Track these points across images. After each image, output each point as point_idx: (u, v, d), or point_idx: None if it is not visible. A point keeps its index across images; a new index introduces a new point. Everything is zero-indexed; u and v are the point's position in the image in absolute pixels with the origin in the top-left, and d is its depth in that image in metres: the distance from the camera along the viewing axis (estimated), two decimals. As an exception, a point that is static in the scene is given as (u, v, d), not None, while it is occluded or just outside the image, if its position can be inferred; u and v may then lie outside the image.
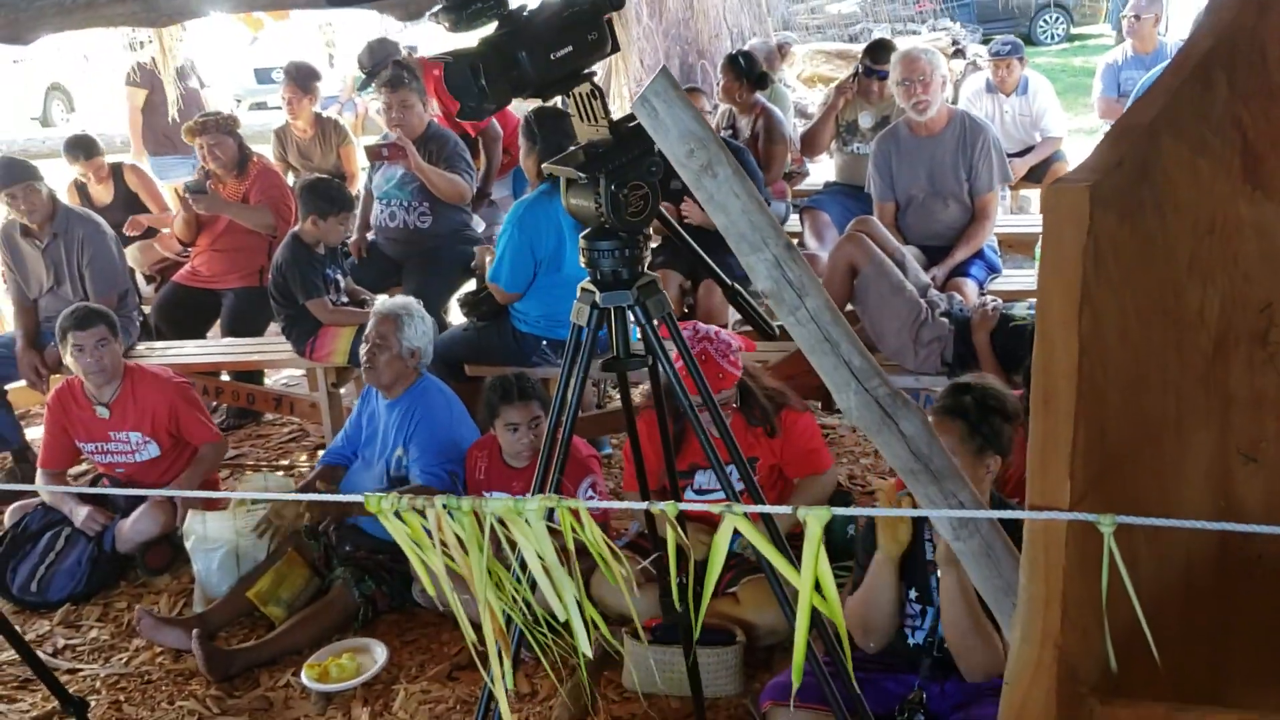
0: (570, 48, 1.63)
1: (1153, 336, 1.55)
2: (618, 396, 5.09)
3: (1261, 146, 1.78)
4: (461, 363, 4.39)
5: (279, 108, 12.60)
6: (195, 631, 3.41)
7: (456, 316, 5.28)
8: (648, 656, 3.15)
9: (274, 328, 5.52)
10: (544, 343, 4.25)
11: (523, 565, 1.43)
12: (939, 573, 2.64)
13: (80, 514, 3.95)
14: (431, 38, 11.72)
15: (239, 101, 14.16)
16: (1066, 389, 1.29)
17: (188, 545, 3.81)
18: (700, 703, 2.93)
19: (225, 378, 5.26)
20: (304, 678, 3.27)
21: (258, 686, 3.36)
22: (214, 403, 5.43)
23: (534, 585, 1.43)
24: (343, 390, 4.95)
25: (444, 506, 1.43)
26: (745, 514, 1.33)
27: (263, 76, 16.44)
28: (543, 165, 1.96)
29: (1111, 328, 1.44)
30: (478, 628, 1.42)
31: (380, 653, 3.37)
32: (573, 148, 1.77)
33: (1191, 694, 1.32)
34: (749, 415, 3.44)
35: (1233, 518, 1.51)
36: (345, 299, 4.78)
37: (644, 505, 1.41)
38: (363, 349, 3.80)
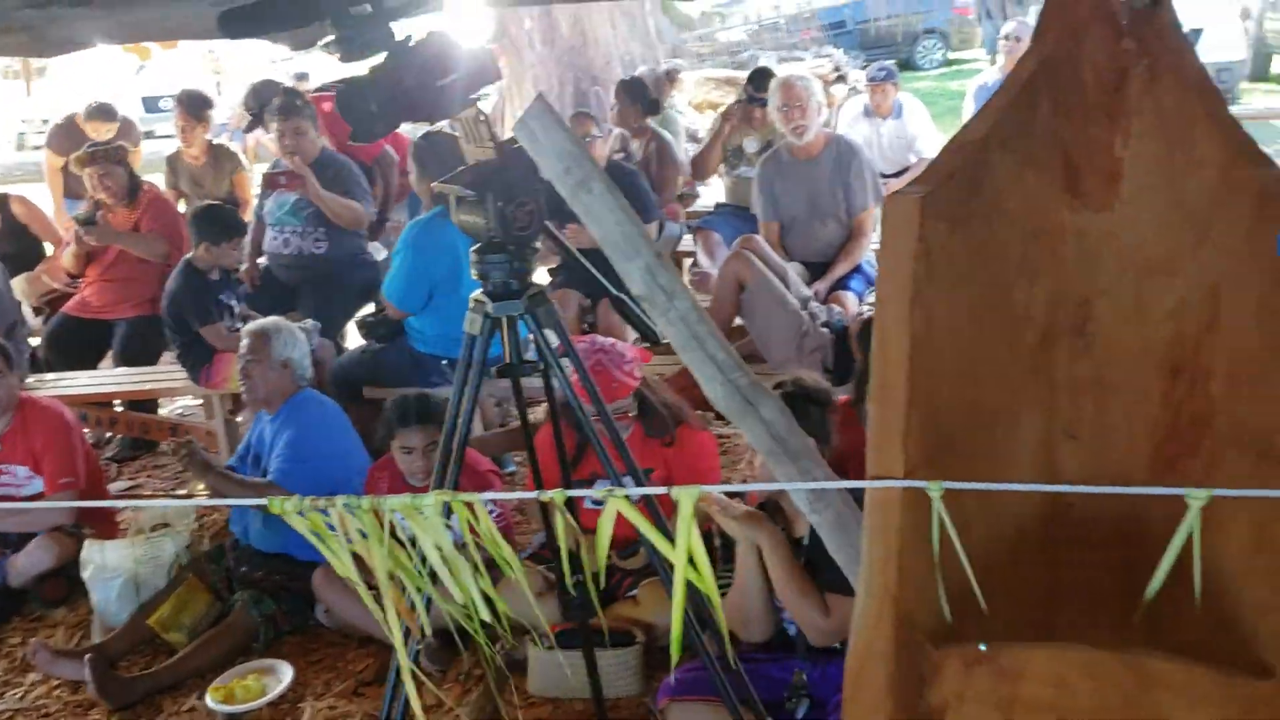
0: (455, 75, 1.77)
1: (984, 331, 1.74)
2: (516, 420, 5.22)
3: (1080, 160, 1.98)
4: (360, 385, 4.46)
5: (168, 136, 12.42)
6: (88, 658, 3.37)
7: (354, 341, 5.35)
8: (550, 661, 3.27)
9: (168, 357, 5.52)
10: (444, 362, 4.34)
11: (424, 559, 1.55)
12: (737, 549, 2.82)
13: None
14: (320, 65, 11.71)
15: (125, 131, 13.93)
16: (900, 377, 1.47)
17: (85, 575, 3.79)
18: (601, 703, 3.06)
19: (119, 408, 5.23)
20: (209, 700, 3.27)
21: (160, 712, 3.36)
22: (108, 434, 5.40)
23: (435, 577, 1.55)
24: (239, 418, 4.97)
25: (344, 506, 1.55)
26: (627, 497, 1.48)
27: (150, 105, 16.19)
28: (433, 185, 2.08)
29: (943, 323, 1.63)
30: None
31: (285, 672, 3.41)
32: (461, 168, 1.91)
33: (1020, 641, 1.49)
34: (647, 426, 3.56)
35: (1057, 492, 1.69)
36: (240, 325, 4.80)
37: (534, 495, 1.54)
38: (237, 367, 3.84)
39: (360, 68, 1.76)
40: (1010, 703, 1.26)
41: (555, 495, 1.47)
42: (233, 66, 13.08)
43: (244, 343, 3.81)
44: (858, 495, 1.58)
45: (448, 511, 1.52)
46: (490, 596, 1.67)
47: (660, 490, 1.46)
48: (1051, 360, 1.83)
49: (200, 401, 5.65)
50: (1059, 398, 1.80)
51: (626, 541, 3.61)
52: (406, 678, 1.49)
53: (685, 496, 1.40)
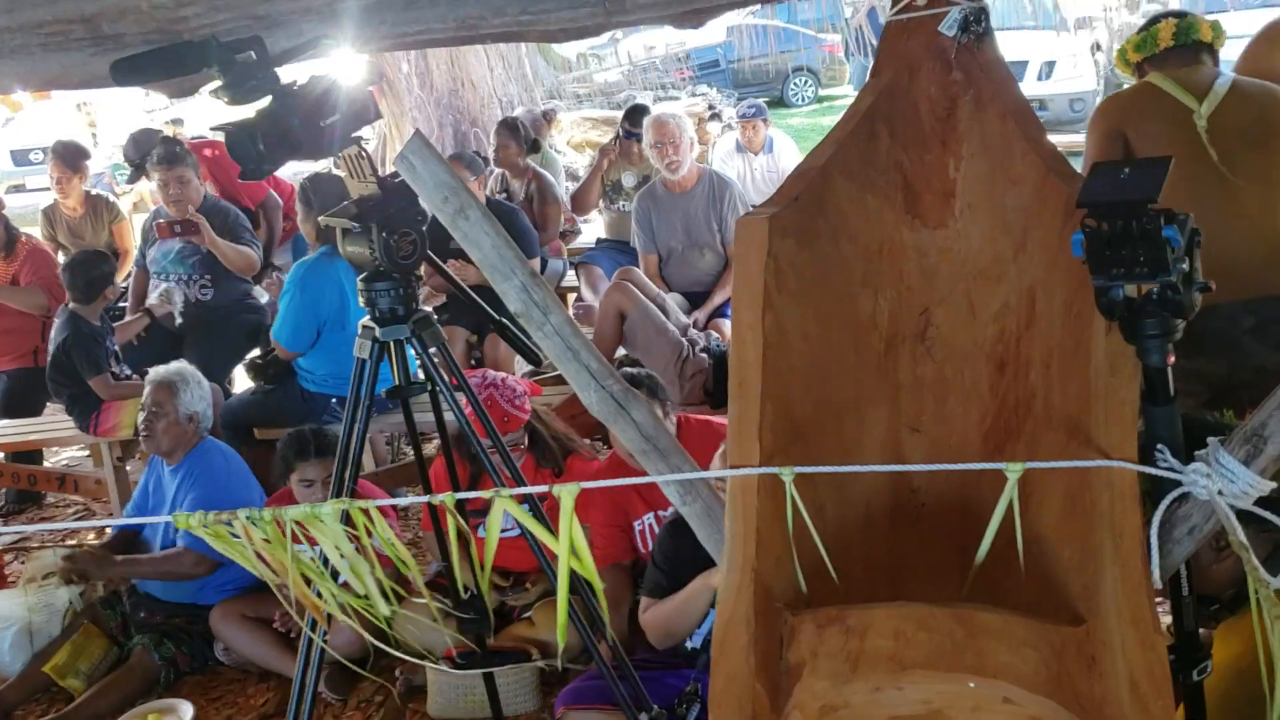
0: (338, 115, 1.90)
1: (832, 336, 1.93)
2: (409, 454, 5.29)
3: (919, 184, 2.20)
4: (251, 426, 4.49)
5: (40, 189, 12.15)
6: (-12, 709, 3.39)
7: (242, 385, 5.37)
8: (449, 683, 3.36)
9: (52, 407, 5.46)
10: (334, 400, 4.41)
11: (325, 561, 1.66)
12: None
13: None
14: (196, 113, 11.62)
15: (-7, 185, 13.60)
16: (754, 376, 1.64)
17: (-24, 626, 3.77)
18: (500, 720, 3.16)
19: (1, 459, 5.15)
20: (109, 743, 3.31)
21: (60, 758, 3.38)
22: (-8, 488, 5.32)
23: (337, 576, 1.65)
24: (129, 466, 4.94)
25: (248, 518, 1.65)
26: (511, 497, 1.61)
27: (20, 159, 15.81)
28: (319, 218, 2.20)
29: (793, 329, 1.81)
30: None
31: (186, 711, 3.41)
32: (346, 202, 2.04)
33: (870, 608, 1.66)
34: (538, 456, 3.68)
35: (900, 477, 1.88)
36: (128, 371, 4.80)
37: (424, 499, 1.66)
38: (140, 416, 3.83)
39: (247, 110, 1.88)
40: (857, 656, 1.42)
41: (445, 498, 1.60)
42: (106, 118, 12.86)
43: (147, 393, 3.80)
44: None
45: (346, 520, 1.63)
46: (397, 591, 1.78)
47: (542, 489, 1.59)
48: (896, 363, 2.03)
49: (87, 453, 5.60)
50: (903, 396, 2.00)
51: (516, 579, 3.73)
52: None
53: (566, 494, 1.54)
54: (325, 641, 2.09)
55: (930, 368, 2.02)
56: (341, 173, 1.98)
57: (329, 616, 1.75)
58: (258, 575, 1.56)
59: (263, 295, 5.65)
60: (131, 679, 3.61)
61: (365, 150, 1.98)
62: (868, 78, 2.31)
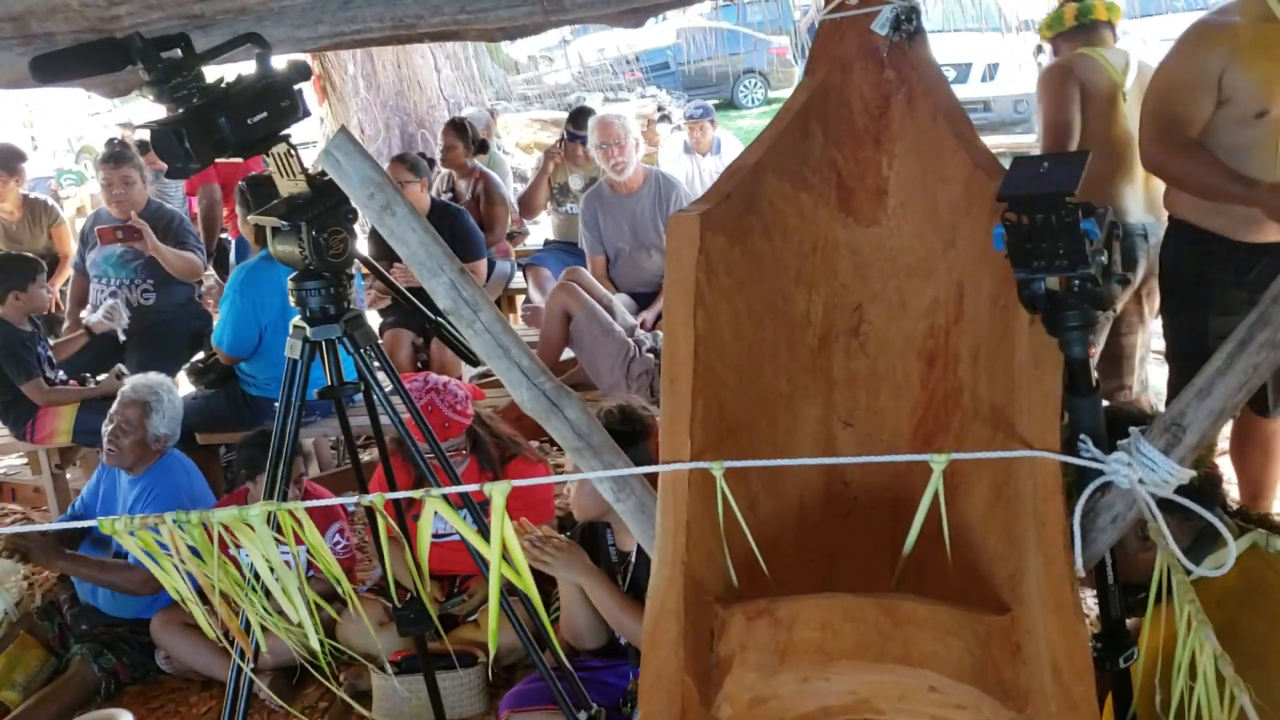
0: (265, 113, 1.88)
1: (765, 333, 1.94)
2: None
3: (852, 182, 2.22)
4: (193, 431, 4.44)
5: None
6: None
7: (182, 389, 5.30)
8: (394, 688, 3.34)
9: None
10: (276, 404, 4.35)
11: (257, 577, 1.64)
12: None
13: None
14: (146, 113, 11.47)
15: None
16: (685, 372, 1.64)
17: (-91, 638, 3.69)
18: (444, 724, 3.14)
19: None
20: (46, 755, 3.26)
21: (-3, 771, 3.33)
22: (-74, 497, 5.22)
23: (268, 594, 1.63)
24: (69, 474, 4.86)
25: (174, 521, 1.62)
26: (444, 496, 1.60)
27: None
28: (249, 217, 2.18)
29: (725, 326, 1.81)
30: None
31: (126, 720, 3.39)
32: (274, 200, 2.02)
33: (801, 600, 1.67)
34: (481, 460, 3.67)
35: (833, 471, 1.90)
36: (61, 373, 4.71)
37: (355, 499, 1.65)
38: (106, 428, 3.73)
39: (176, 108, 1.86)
40: (785, 648, 1.43)
41: (375, 499, 1.59)
42: (45, 120, 12.66)
43: (118, 407, 3.71)
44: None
45: (277, 527, 1.61)
46: (323, 607, 1.76)
47: (474, 488, 1.59)
48: (829, 359, 2.04)
49: (24, 460, 5.50)
50: (836, 391, 2.01)
51: (454, 587, 3.71)
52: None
53: (497, 492, 1.54)
54: (254, 668, 2.06)
55: (863, 363, 2.04)
56: (270, 168, 1.97)
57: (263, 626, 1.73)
58: (172, 594, 1.53)
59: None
60: (70, 690, 3.55)
61: (294, 148, 1.96)
62: (802, 76, 2.33)
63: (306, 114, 1.96)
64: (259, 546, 1.62)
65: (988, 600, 1.59)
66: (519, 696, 3.04)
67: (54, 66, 1.74)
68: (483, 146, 6.77)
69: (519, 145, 12.57)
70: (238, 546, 1.62)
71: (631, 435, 2.71)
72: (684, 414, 1.61)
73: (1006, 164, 1.73)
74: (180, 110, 1.81)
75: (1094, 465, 1.53)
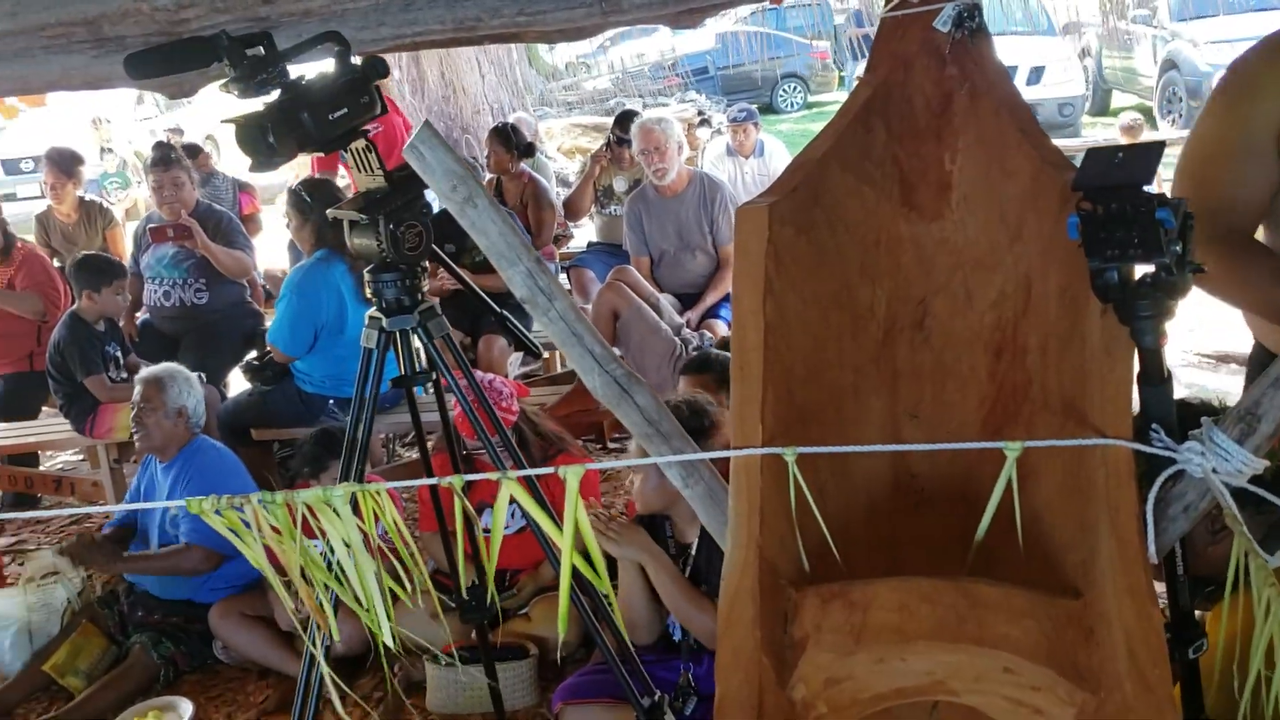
0: (346, 109, 1.93)
1: (831, 324, 1.96)
2: (406, 455, 5.33)
3: (915, 177, 2.23)
4: (249, 427, 4.52)
5: (31, 198, 12.14)
6: (-10, 708, 3.41)
7: (237, 386, 5.39)
8: (448, 678, 3.39)
9: (47, 411, 5.48)
10: (330, 401, 4.43)
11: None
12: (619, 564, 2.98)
13: None
14: (192, 120, 11.64)
15: (-17, 193, 13.59)
16: (755, 359, 1.67)
17: (-25, 626, 3.78)
18: (502, 715, 3.18)
19: (-3, 463, 5.17)
20: (110, 741, 3.33)
21: (62, 755, 3.39)
22: (-12, 491, 5.33)
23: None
24: (125, 469, 4.95)
25: (260, 501, 1.67)
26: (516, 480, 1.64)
27: (11, 168, 15.80)
28: (328, 211, 2.23)
29: (793, 316, 1.84)
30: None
31: (186, 708, 3.44)
32: (353, 194, 2.07)
33: (871, 585, 1.69)
34: (526, 457, 3.71)
35: (900, 463, 1.92)
36: (125, 374, 4.82)
37: (431, 481, 1.69)
38: (130, 414, 3.85)
39: (256, 103, 1.91)
40: (861, 630, 1.45)
41: (454, 480, 1.63)
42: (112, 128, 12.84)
43: (137, 390, 3.82)
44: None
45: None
46: (397, 594, 1.80)
47: (549, 470, 1.62)
48: (894, 351, 2.06)
49: (82, 456, 5.62)
50: (901, 383, 2.03)
51: (504, 581, 3.75)
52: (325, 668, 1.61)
53: (572, 474, 1.57)
54: (330, 644, 2.11)
55: (928, 356, 2.05)
56: (349, 163, 2.02)
57: (335, 610, 1.77)
58: (256, 567, 1.57)
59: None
60: (131, 677, 3.62)
61: (372, 143, 2.01)
62: (864, 73, 2.35)
63: (384, 110, 2.01)
64: (340, 529, 1.66)
65: (1059, 587, 1.60)
66: (573, 688, 3.07)
67: (146, 64, 1.80)
68: (529, 151, 6.83)
69: (560, 150, 12.66)
70: (310, 536, 1.65)
71: (699, 430, 2.74)
72: (755, 400, 1.63)
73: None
74: (264, 106, 1.86)
75: (1167, 454, 1.54)
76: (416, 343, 2.17)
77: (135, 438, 3.86)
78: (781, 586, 1.53)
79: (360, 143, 1.99)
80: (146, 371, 3.90)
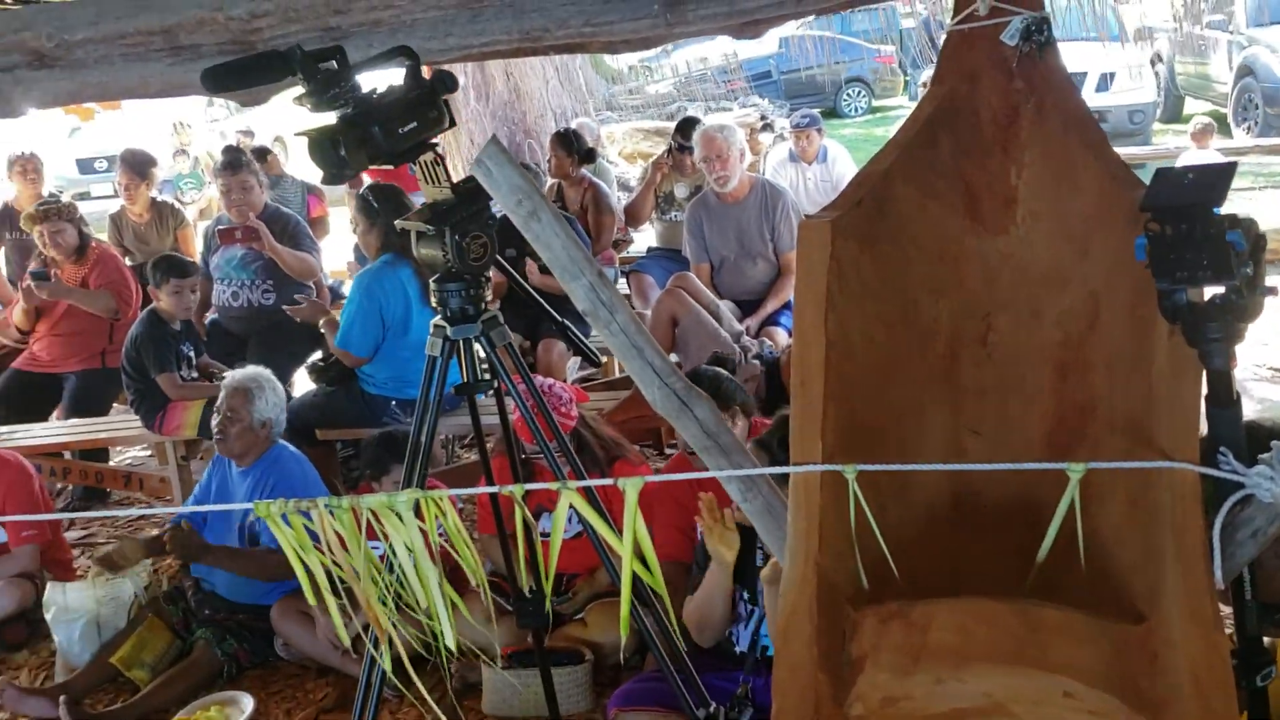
0: (415, 123, 1.96)
1: (894, 339, 1.96)
2: (466, 457, 5.38)
3: (980, 191, 2.22)
4: (313, 427, 4.58)
5: (104, 197, 12.40)
6: (62, 698, 3.48)
7: (302, 386, 5.47)
8: (504, 682, 3.41)
9: (118, 408, 5.61)
10: (393, 403, 4.49)
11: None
12: (763, 590, 2.98)
13: None
14: (263, 120, 11.85)
15: (60, 192, 13.95)
16: (817, 376, 1.67)
17: (48, 617, 3.86)
18: (556, 719, 3.20)
19: (68, 458, 5.28)
20: (174, 733, 3.39)
21: (127, 747, 3.47)
22: (59, 484, 5.45)
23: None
24: (192, 465, 5.05)
25: (326, 506, 1.70)
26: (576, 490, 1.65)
27: (85, 167, 16.19)
28: (396, 221, 2.27)
29: (855, 331, 1.84)
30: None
31: (247, 703, 3.50)
32: (420, 205, 2.10)
33: (930, 604, 1.69)
34: (585, 463, 3.73)
35: (961, 480, 1.91)
36: (195, 374, 4.91)
37: (494, 489, 1.71)
38: (214, 420, 3.89)
39: (329, 116, 1.95)
40: (919, 650, 1.45)
41: (515, 489, 1.65)
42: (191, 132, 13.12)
43: (223, 397, 3.86)
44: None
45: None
46: (455, 602, 1.82)
47: (608, 482, 1.63)
48: (957, 366, 2.05)
49: (150, 453, 5.74)
50: (964, 399, 2.02)
51: (560, 586, 3.77)
52: (387, 662, 1.64)
53: (631, 486, 1.58)
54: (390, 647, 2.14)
55: (992, 372, 2.04)
56: (417, 175, 2.05)
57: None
58: (301, 579, 1.59)
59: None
60: (195, 671, 3.69)
61: (440, 156, 2.04)
62: (929, 86, 2.34)
63: (452, 123, 2.04)
64: (403, 534, 1.68)
65: (1122, 609, 1.59)
66: (627, 695, 3.08)
67: (222, 77, 1.85)
68: (590, 156, 6.87)
69: (622, 154, 12.69)
70: (372, 538, 1.68)
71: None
72: (815, 417, 1.63)
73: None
74: (336, 119, 1.90)
75: (1235, 478, 1.52)
76: (479, 350, 2.20)
77: (216, 442, 3.90)
78: (840, 604, 1.53)
79: (429, 155, 2.02)
80: (234, 379, 3.92)
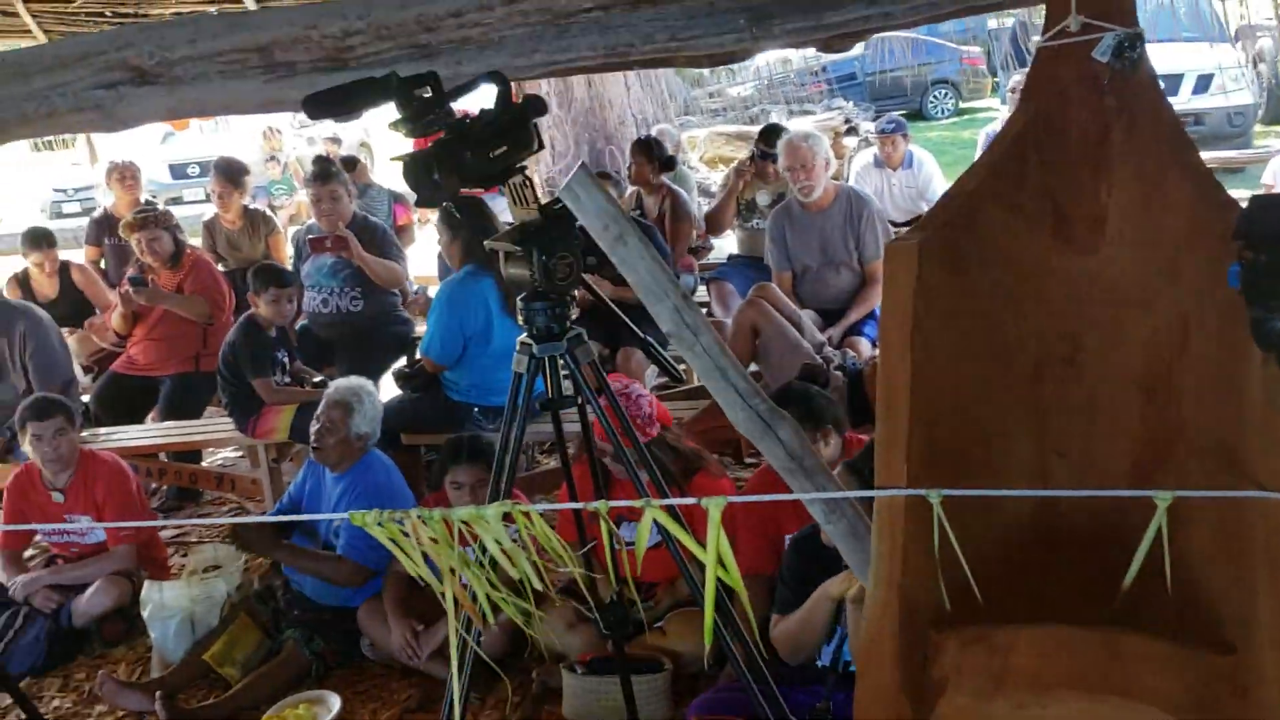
0: (505, 146, 2.01)
1: (979, 360, 1.95)
2: (546, 462, 5.45)
3: (1068, 209, 2.20)
4: (398, 432, 4.68)
5: (196, 201, 12.73)
6: (158, 693, 3.61)
7: (388, 391, 5.58)
8: (584, 687, 3.45)
9: (211, 411, 5.78)
10: (475, 409, 4.56)
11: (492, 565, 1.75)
12: (847, 608, 2.98)
13: (37, 593, 4.14)
14: (350, 127, 12.07)
15: (154, 197, 14.37)
16: (902, 399, 1.68)
17: (145, 614, 4.00)
18: (635, 726, 3.23)
19: (163, 459, 5.45)
20: (264, 729, 3.49)
21: (218, 742, 3.57)
22: (154, 484, 5.63)
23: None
24: (282, 466, 5.18)
25: (419, 516, 1.75)
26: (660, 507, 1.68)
27: (178, 172, 16.65)
28: (485, 242, 2.32)
29: (940, 353, 1.84)
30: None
31: (334, 702, 3.59)
32: (509, 226, 2.15)
33: (1013, 628, 1.68)
34: (664, 474, 3.74)
35: (1045, 501, 1.89)
36: (289, 379, 5.04)
37: (578, 505, 1.74)
38: (313, 428, 3.98)
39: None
40: (1001, 674, 1.45)
41: (600, 505, 1.68)
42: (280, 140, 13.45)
43: (322, 408, 3.96)
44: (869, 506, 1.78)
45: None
46: (545, 585, 1.87)
47: (690, 500, 1.66)
48: (1042, 387, 2.04)
49: (241, 454, 5.90)
50: (1049, 420, 2.01)
51: (647, 593, 3.79)
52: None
53: (714, 505, 1.60)
54: (479, 644, 2.19)
55: (1078, 393, 2.02)
56: (506, 197, 2.09)
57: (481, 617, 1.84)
58: (415, 575, 1.65)
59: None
60: (284, 670, 3.79)
61: (529, 179, 2.08)
62: (1017, 102, 2.33)
63: (541, 146, 2.09)
64: (493, 533, 1.74)
65: (1209, 639, 1.57)
66: (707, 705, 3.10)
67: (323, 104, 1.91)
68: (670, 164, 6.90)
69: (703, 159, 12.69)
70: (463, 544, 1.74)
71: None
72: (900, 441, 1.64)
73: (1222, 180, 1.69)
74: (430, 144, 1.95)
75: (1330, 509, 1.50)
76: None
77: (313, 450, 4.00)
78: (922, 626, 1.54)
79: (518, 178, 2.06)
80: (336, 391, 4.02)
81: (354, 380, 4.13)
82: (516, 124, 2.02)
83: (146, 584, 4.05)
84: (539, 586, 1.64)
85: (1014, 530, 1.84)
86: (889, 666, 1.47)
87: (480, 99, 2.13)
